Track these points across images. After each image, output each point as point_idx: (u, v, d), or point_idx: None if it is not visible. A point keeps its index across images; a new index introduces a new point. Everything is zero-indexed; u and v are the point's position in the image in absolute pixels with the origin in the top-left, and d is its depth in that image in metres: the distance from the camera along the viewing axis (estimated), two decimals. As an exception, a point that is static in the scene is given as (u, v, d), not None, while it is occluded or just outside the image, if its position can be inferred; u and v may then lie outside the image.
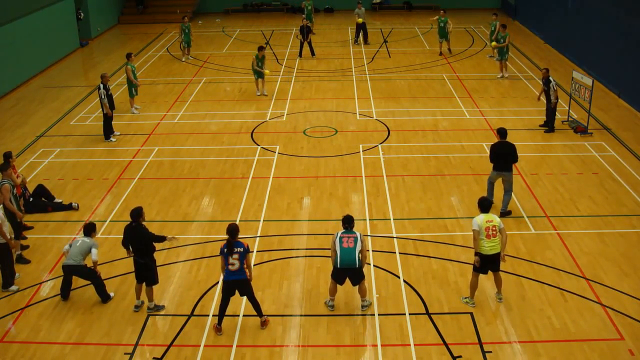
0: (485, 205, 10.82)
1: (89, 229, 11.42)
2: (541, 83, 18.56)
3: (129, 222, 10.75)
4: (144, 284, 10.93)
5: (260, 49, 21.73)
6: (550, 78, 17.98)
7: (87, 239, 11.27)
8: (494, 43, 23.40)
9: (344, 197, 14.84)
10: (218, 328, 10.42)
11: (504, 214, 13.70)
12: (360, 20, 28.47)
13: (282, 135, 18.62)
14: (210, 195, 15.13)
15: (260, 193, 15.14)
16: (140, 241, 10.65)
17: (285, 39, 30.57)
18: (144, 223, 10.84)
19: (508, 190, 13.72)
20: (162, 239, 10.91)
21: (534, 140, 17.81)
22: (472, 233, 10.73)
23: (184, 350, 10.11)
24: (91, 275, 11.19)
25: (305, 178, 15.86)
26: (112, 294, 11.41)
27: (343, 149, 17.53)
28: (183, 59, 26.75)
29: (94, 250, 11.15)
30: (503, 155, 13.55)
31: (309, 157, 17.09)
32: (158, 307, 10.97)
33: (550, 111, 18.16)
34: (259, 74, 21.80)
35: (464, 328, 10.38)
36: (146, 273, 10.77)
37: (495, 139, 14.09)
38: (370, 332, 10.40)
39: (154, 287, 10.98)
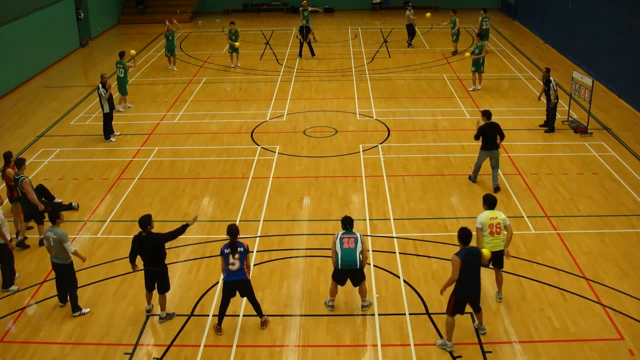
0: (490, 201, 10.84)
1: (53, 216, 10.97)
2: (541, 83, 18.54)
3: (138, 233, 10.50)
4: (154, 291, 10.78)
5: (231, 23, 25.17)
6: (551, 78, 17.97)
7: (54, 234, 10.78)
8: (467, 54, 22.37)
9: (344, 197, 14.84)
10: (218, 328, 10.41)
11: (497, 189, 14.62)
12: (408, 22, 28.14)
13: (282, 135, 18.62)
14: (210, 195, 15.13)
15: (260, 193, 15.14)
16: (153, 249, 10.42)
17: (285, 39, 30.57)
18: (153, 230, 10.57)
19: (496, 166, 14.83)
20: (183, 228, 10.59)
21: (534, 140, 17.82)
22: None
23: (184, 350, 10.11)
24: (71, 281, 10.97)
25: (305, 178, 15.86)
26: (86, 310, 11.04)
27: (343, 149, 17.53)
28: (169, 67, 25.55)
29: (67, 245, 10.71)
30: (492, 135, 14.58)
31: (309, 157, 17.09)
32: (170, 315, 10.85)
33: (550, 111, 18.16)
34: (233, 49, 25.06)
35: (464, 328, 10.38)
36: (160, 281, 10.60)
37: (500, 148, 14.91)
38: (370, 332, 10.40)
39: (166, 294, 10.80)
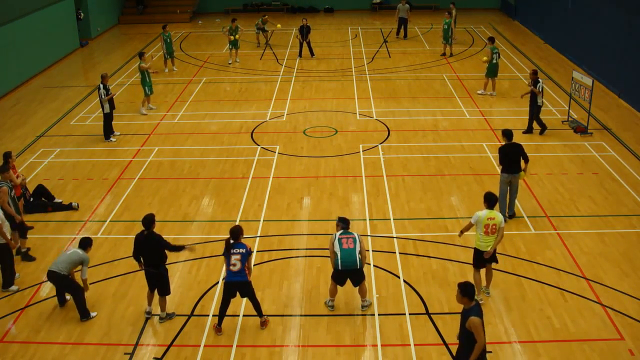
0: (492, 201, 10.76)
1: (85, 243, 10.94)
2: (530, 84, 17.89)
3: (140, 232, 10.49)
4: (155, 291, 10.76)
5: (233, 20, 25.92)
6: (539, 80, 17.77)
7: (80, 251, 10.78)
8: (485, 58, 21.84)
9: (344, 197, 14.84)
10: (218, 328, 10.41)
11: (512, 216, 13.66)
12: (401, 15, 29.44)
13: (282, 135, 18.62)
14: (210, 195, 15.14)
15: (260, 193, 15.14)
16: (154, 250, 10.40)
17: (285, 39, 30.57)
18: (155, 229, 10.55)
19: (515, 192, 13.62)
20: (180, 248, 10.65)
21: (533, 141, 17.80)
22: (472, 234, 10.77)
23: (184, 350, 10.11)
24: (73, 288, 10.87)
25: (305, 178, 15.86)
26: (94, 314, 10.95)
27: (343, 149, 17.53)
28: (166, 70, 25.16)
29: (84, 269, 10.72)
30: (514, 157, 13.33)
31: (309, 157, 17.09)
32: (170, 315, 10.85)
33: (535, 114, 17.84)
34: (233, 44, 25.78)
35: (464, 328, 10.38)
36: (160, 283, 10.58)
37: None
38: (370, 332, 10.40)
39: (167, 297, 10.80)
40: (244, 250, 10.11)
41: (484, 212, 10.69)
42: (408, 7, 29.41)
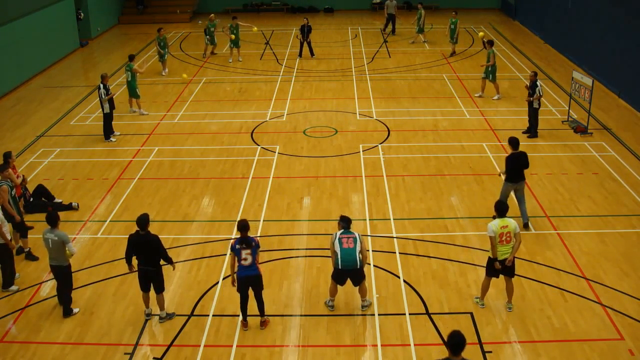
0: (502, 209, 10.56)
1: (54, 221, 10.79)
2: (528, 86, 17.88)
3: (135, 232, 10.45)
4: (151, 292, 10.75)
5: (234, 18, 26.22)
6: (538, 82, 17.72)
7: (55, 236, 10.72)
8: (481, 33, 21.65)
9: (344, 197, 14.84)
10: (244, 323, 10.47)
11: (526, 225, 13.25)
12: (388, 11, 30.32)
13: (282, 135, 18.62)
14: (210, 195, 15.14)
15: (260, 193, 15.14)
16: (152, 250, 10.38)
17: (285, 39, 30.58)
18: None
19: (523, 199, 13.32)
20: (170, 261, 10.65)
21: (533, 141, 17.80)
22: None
23: (184, 350, 10.11)
24: (66, 282, 10.92)
25: (305, 178, 15.86)
26: (76, 310, 11.03)
27: (343, 149, 17.53)
28: (165, 71, 25.10)
29: (69, 246, 10.71)
30: (520, 166, 13.12)
31: (309, 157, 17.09)
32: (170, 315, 10.84)
33: (532, 116, 17.81)
34: (234, 42, 25.90)
35: (464, 328, 10.36)
36: (156, 280, 10.56)
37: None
38: (370, 332, 10.40)
39: (164, 294, 10.78)
40: (254, 244, 10.12)
41: (496, 222, 10.44)
42: (395, 4, 30.23)
